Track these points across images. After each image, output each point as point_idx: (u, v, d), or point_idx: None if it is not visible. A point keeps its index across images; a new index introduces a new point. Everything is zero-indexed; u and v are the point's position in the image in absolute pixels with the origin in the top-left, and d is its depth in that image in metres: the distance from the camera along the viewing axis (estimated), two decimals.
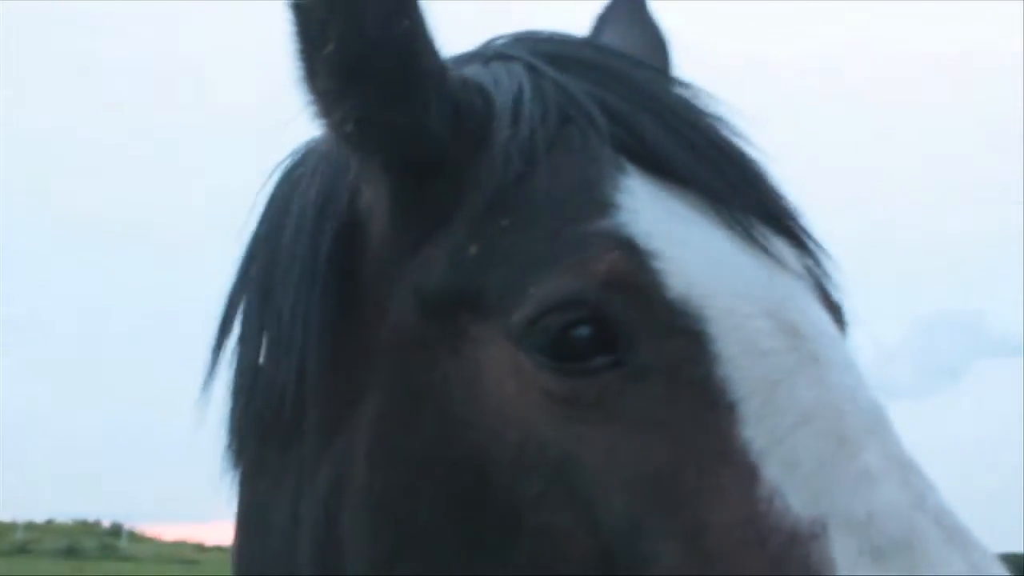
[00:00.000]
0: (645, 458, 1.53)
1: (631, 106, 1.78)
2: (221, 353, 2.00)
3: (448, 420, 1.64)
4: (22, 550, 48.41)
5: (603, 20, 2.40)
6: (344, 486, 1.73)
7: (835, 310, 1.79)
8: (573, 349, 1.58)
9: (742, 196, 1.73)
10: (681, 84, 1.92)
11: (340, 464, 1.74)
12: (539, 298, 1.60)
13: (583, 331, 1.59)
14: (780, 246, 1.73)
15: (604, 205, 1.67)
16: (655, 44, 2.34)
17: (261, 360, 1.90)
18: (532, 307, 1.60)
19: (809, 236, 1.80)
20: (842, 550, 1.43)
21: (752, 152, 1.81)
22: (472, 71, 1.86)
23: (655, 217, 1.66)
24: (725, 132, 1.82)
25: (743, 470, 1.50)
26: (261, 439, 1.90)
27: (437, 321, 1.69)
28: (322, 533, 1.76)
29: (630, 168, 1.73)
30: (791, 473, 1.48)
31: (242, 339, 1.98)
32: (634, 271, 1.60)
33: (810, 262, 1.78)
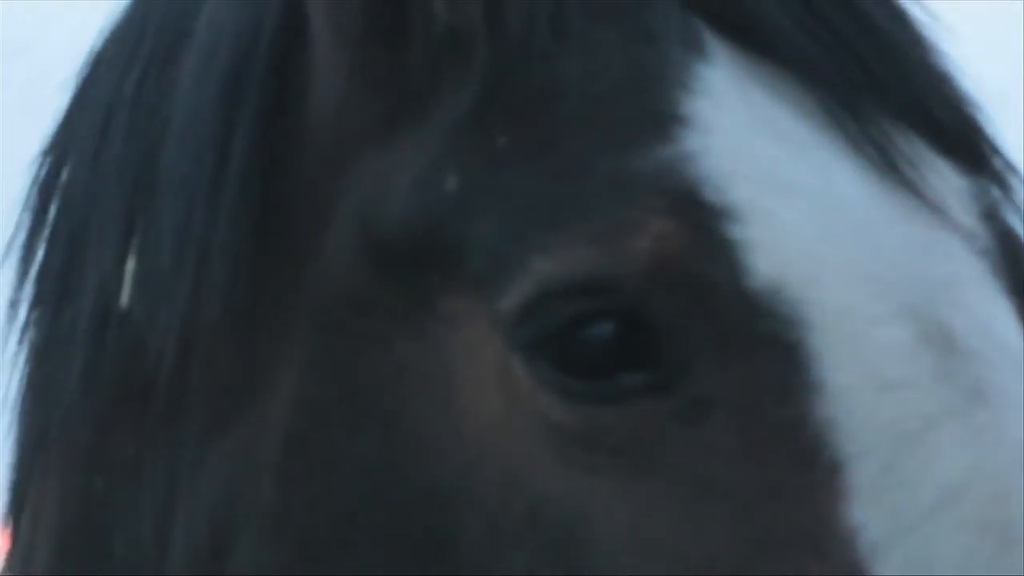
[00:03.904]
0: (697, 537, 1.06)
1: None
2: (29, 270, 1.36)
3: (397, 434, 1.13)
4: None
5: None
6: (241, 495, 1.19)
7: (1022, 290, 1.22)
8: (587, 357, 1.08)
9: (885, 93, 1.17)
10: None
11: (236, 461, 1.20)
12: (541, 273, 1.08)
13: (603, 329, 1.08)
14: (942, 178, 1.18)
15: (664, 118, 1.12)
16: None
17: (123, 300, 1.27)
18: (529, 286, 1.08)
19: (996, 154, 1.24)
20: None
21: (920, 37, 1.24)
22: None
23: (742, 139, 1.12)
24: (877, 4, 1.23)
25: (846, 570, 1.03)
26: (104, 414, 1.28)
27: (393, 278, 1.15)
28: (203, 559, 1.20)
29: (711, 45, 1.16)
30: None
31: (82, 260, 1.30)
32: (695, 251, 1.08)
33: (993, 200, 1.22)
